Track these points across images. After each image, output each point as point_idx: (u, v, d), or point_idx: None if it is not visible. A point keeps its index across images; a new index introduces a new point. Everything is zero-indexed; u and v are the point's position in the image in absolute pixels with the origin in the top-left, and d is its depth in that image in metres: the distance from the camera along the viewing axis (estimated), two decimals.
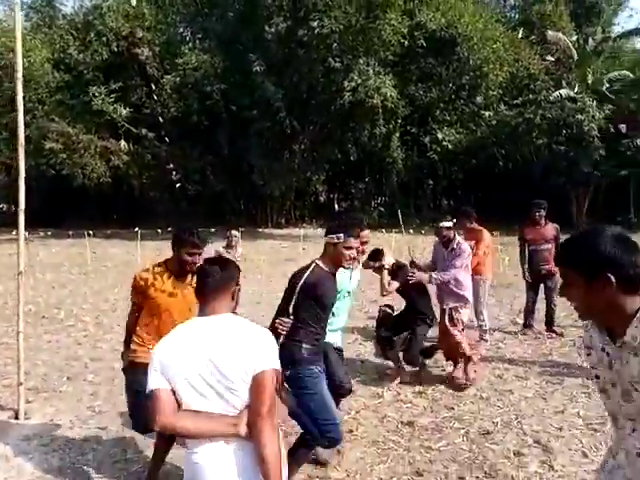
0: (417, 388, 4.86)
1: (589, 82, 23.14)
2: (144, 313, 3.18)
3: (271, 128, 20.94)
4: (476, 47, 21.08)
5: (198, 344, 1.86)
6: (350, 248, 2.87)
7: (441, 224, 5.04)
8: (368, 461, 3.53)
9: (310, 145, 23.02)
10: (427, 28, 21.27)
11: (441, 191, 28.52)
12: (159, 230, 16.99)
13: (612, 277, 1.38)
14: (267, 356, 1.87)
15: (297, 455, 2.94)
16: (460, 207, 8.19)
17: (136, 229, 15.50)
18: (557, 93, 22.35)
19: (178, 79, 21.63)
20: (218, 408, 1.84)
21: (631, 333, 1.41)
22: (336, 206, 28.91)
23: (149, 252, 15.98)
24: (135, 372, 3.02)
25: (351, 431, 3.96)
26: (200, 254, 3.07)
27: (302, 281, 2.82)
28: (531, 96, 23.78)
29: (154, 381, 1.87)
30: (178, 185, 24.71)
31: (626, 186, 23.67)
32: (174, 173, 24.05)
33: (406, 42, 20.05)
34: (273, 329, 2.76)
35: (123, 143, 22.72)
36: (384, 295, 4.94)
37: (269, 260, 14.24)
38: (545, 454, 3.59)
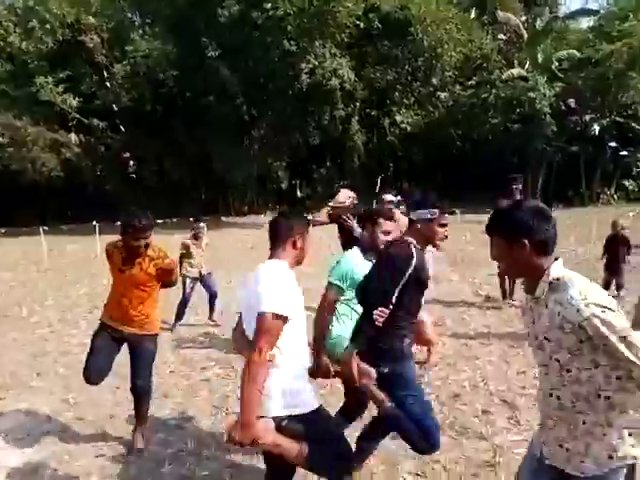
0: None
1: (539, 61, 23.78)
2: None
3: (229, 114, 20.58)
4: (430, 28, 21.26)
5: (248, 283, 2.34)
6: (444, 225, 2.59)
7: (383, 196, 4.99)
8: (346, 432, 3.57)
9: (270, 131, 22.79)
10: (381, 10, 21.31)
11: (402, 173, 28.85)
12: (118, 223, 16.48)
13: (526, 242, 1.67)
14: (266, 299, 2.15)
15: (370, 442, 2.88)
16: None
17: (94, 223, 15.02)
18: (509, 72, 22.88)
19: (129, 67, 20.90)
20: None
21: (540, 287, 1.69)
22: (298, 192, 28.82)
23: None
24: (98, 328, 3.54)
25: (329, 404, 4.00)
26: (145, 238, 3.20)
27: (413, 266, 2.45)
28: (485, 75, 24.27)
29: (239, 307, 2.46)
30: (134, 176, 24.06)
31: (577, 161, 24.60)
32: (130, 164, 23.37)
33: (361, 24, 20.03)
34: (370, 320, 2.42)
35: (74, 135, 21.90)
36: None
37: (235, 248, 14.10)
38: (511, 411, 3.81)
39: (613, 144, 23.50)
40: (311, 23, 18.91)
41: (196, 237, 6.59)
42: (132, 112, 22.37)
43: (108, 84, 22.43)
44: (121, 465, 3.29)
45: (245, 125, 21.62)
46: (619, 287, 6.71)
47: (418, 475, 3.07)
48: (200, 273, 6.42)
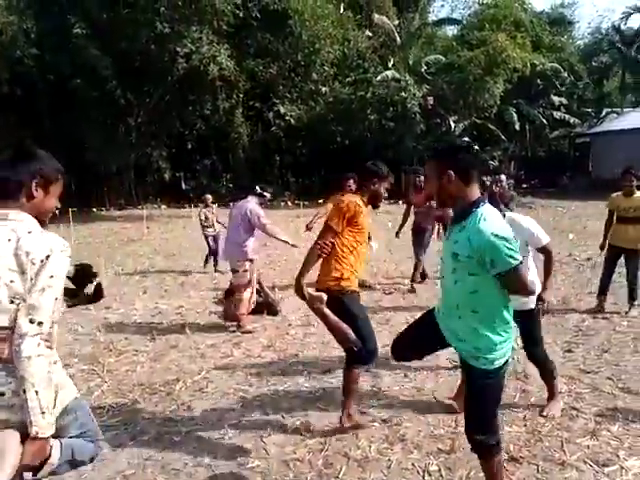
0: (265, 342, 5.16)
1: (410, 63, 25.48)
2: (349, 240, 3.19)
3: (100, 99, 19.21)
4: (308, 23, 21.73)
5: None
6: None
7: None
8: (217, 412, 3.66)
9: (148, 118, 21.70)
10: (260, 0, 21.31)
11: (287, 167, 29.15)
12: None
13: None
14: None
15: None
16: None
17: None
18: (384, 74, 24.20)
19: None
20: None
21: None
22: (183, 184, 27.86)
23: None
24: (354, 299, 3.24)
25: (201, 389, 4.04)
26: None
27: None
28: (362, 73, 25.42)
29: None
30: None
31: None
32: None
33: (240, 13, 19.85)
34: None
35: None
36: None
37: (109, 242, 13.29)
38: (374, 380, 4.16)
39: (466, 139, 25.96)
40: (186, 7, 18.28)
41: (207, 205, 9.09)
42: None
43: None
44: None
45: (120, 111, 20.34)
46: None
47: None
48: (215, 231, 8.98)
